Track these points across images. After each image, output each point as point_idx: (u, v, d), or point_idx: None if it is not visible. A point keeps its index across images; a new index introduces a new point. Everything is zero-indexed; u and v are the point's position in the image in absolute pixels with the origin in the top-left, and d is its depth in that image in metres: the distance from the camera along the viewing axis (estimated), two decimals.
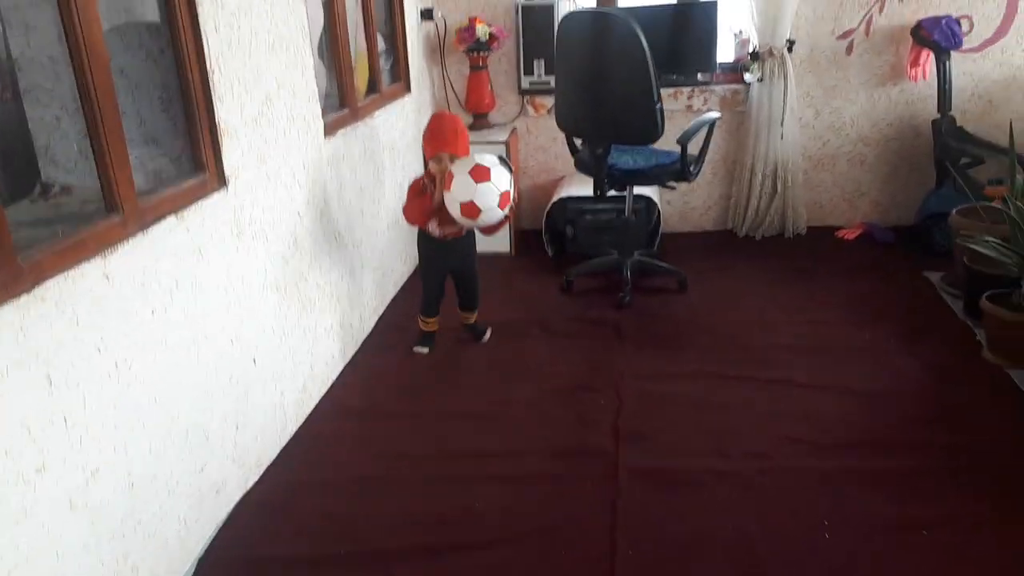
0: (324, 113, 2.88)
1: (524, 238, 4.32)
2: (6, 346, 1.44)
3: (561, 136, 3.96)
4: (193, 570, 2.03)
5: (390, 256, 3.64)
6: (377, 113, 3.46)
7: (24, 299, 1.48)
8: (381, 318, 3.51)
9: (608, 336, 3.28)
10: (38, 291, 1.51)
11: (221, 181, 2.18)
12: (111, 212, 1.78)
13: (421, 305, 3.17)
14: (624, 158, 3.50)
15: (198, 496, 2.06)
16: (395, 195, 3.67)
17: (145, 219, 1.85)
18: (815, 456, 2.39)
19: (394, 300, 3.70)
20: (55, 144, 1.88)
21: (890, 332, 3.14)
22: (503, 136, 4.08)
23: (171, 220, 1.94)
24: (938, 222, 3.78)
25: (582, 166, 3.55)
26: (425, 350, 3.14)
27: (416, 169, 4.03)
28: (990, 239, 2.77)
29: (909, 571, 1.93)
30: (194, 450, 2.04)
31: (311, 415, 2.74)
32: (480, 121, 4.28)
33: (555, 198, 4.08)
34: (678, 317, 3.44)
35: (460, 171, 2.76)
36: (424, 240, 3.08)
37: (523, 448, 2.53)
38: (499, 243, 4.20)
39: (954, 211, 3.39)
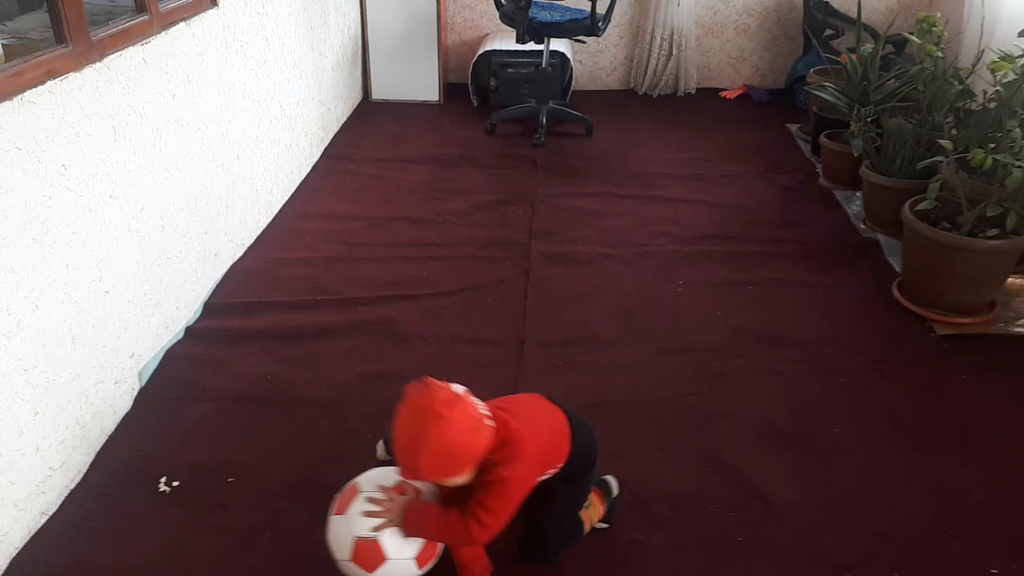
0: None
1: (451, 89, 4.83)
2: (89, 100, 1.95)
3: None
4: (202, 310, 2.62)
5: (332, 93, 4.11)
6: None
7: (97, 66, 1.98)
8: (326, 149, 4.02)
9: (526, 167, 3.91)
10: (105, 61, 2.01)
11: (214, 1, 2.65)
12: (141, 12, 2.25)
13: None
14: (543, 13, 4.04)
15: (202, 254, 2.63)
16: (338, 39, 4.12)
17: (165, 21, 2.33)
18: (679, 244, 3.13)
19: (335, 136, 4.20)
20: None
21: (752, 166, 3.89)
22: None
23: (182, 26, 2.42)
24: (801, 84, 4.50)
25: (506, 19, 4.07)
26: None
27: (353, 20, 4.46)
28: (828, 85, 3.48)
29: (733, 308, 2.70)
30: (200, 215, 2.59)
31: (279, 213, 3.30)
32: None
33: (480, 51, 4.59)
34: (584, 154, 4.08)
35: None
36: None
37: (458, 240, 3.17)
38: (429, 92, 4.72)
39: (811, 71, 4.12)
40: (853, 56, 3.52)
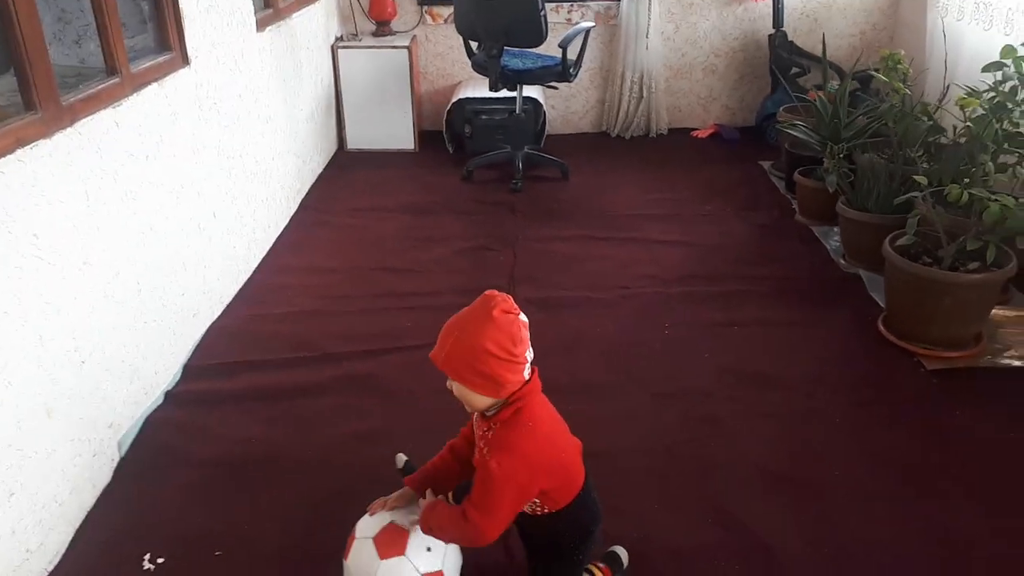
0: (255, 11, 3.30)
1: (426, 137, 4.84)
2: (60, 166, 1.90)
3: (457, 44, 4.49)
4: (181, 373, 2.55)
5: (307, 145, 4.09)
6: (295, 15, 3.87)
7: (68, 131, 1.94)
8: (303, 201, 3.98)
9: (504, 213, 3.90)
10: (76, 126, 1.97)
11: (185, 60, 2.62)
12: (112, 75, 2.22)
13: None
14: (515, 61, 4.07)
15: (180, 316, 2.57)
16: (311, 91, 4.11)
17: (136, 82, 2.30)
18: (662, 286, 3.11)
19: (312, 188, 4.17)
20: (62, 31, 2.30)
21: (727, 204, 3.91)
22: (405, 42, 4.55)
23: (154, 86, 2.39)
24: (771, 122, 4.57)
25: (478, 67, 4.10)
26: None
27: (326, 73, 4.46)
28: (800, 123, 3.53)
29: (720, 350, 2.69)
30: (178, 275, 2.53)
31: (257, 268, 3.25)
32: (382, 28, 4.72)
33: (454, 99, 4.61)
34: (561, 197, 4.09)
35: (364, 531, 1.58)
36: None
37: (439, 289, 3.14)
38: (403, 141, 4.72)
39: (781, 108, 4.18)
40: (821, 93, 3.59)
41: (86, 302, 2.01)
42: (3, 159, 1.70)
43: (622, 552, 1.80)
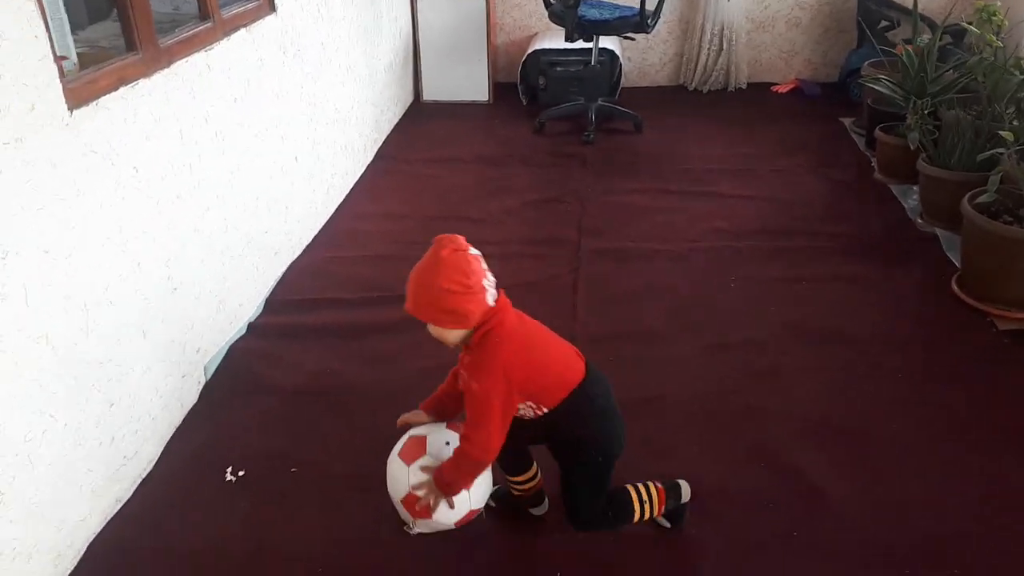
0: None
1: (500, 89, 4.87)
2: (158, 105, 2.03)
3: None
4: (263, 306, 2.70)
5: (385, 95, 4.19)
6: None
7: (165, 72, 2.07)
8: (379, 150, 4.09)
9: (575, 165, 3.92)
10: (173, 67, 2.10)
11: (272, 7, 2.73)
12: (204, 20, 2.33)
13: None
14: (592, 11, 4.05)
15: (263, 253, 2.71)
16: (390, 41, 4.19)
17: (227, 27, 2.42)
18: (732, 239, 3.11)
19: (388, 137, 4.27)
20: None
21: (804, 161, 3.84)
22: None
23: (243, 32, 2.51)
24: (856, 77, 4.42)
25: (555, 18, 4.09)
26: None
27: (404, 23, 4.53)
28: (883, 78, 3.42)
29: (786, 305, 2.68)
30: (261, 215, 2.67)
31: (335, 213, 3.38)
32: None
33: (529, 51, 4.63)
34: (633, 150, 4.08)
35: (391, 454, 1.75)
36: None
37: (509, 238, 3.21)
38: (478, 92, 4.77)
39: (866, 64, 4.05)
40: (909, 47, 3.46)
41: (179, 234, 2.16)
42: (108, 96, 1.83)
43: (685, 486, 1.83)
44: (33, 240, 1.60)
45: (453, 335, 1.54)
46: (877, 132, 3.57)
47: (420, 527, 1.69)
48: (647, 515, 1.77)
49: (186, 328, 2.21)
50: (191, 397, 2.25)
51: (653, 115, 4.43)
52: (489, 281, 1.54)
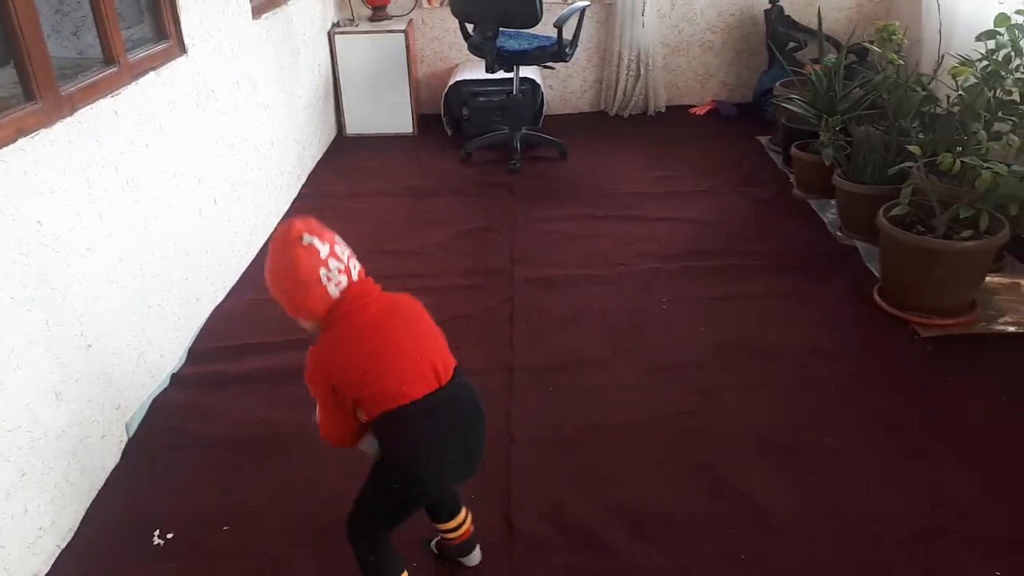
0: None
1: (425, 120, 4.85)
2: (61, 155, 1.94)
3: (454, 26, 4.50)
4: (186, 356, 2.59)
5: (307, 131, 4.12)
6: (291, 2, 3.88)
7: (68, 121, 1.97)
8: (303, 186, 4.01)
9: (503, 194, 3.92)
10: (76, 115, 2.00)
11: (182, 48, 2.65)
12: (110, 64, 2.25)
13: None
14: (510, 42, 4.08)
15: (184, 300, 2.61)
16: (309, 77, 4.13)
17: (135, 71, 2.33)
18: (659, 262, 3.14)
19: (312, 173, 4.20)
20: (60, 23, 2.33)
21: (725, 181, 3.93)
22: (402, 26, 4.56)
23: (152, 75, 2.42)
24: (769, 97, 4.56)
25: (475, 49, 4.11)
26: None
27: (323, 59, 4.48)
28: (795, 97, 3.53)
29: (717, 324, 2.72)
30: (180, 261, 2.57)
31: (259, 252, 3.29)
32: (379, 13, 4.73)
33: (451, 82, 4.62)
34: (559, 177, 4.11)
35: None
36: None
37: (441, 271, 3.17)
38: (402, 124, 4.74)
39: (778, 83, 4.19)
40: (817, 67, 3.59)
41: (91, 288, 2.05)
42: (5, 148, 1.73)
43: (476, 553, 1.78)
44: None
45: (306, 325, 1.51)
46: (793, 150, 3.68)
47: None
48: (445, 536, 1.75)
49: (104, 386, 2.10)
50: (112, 458, 2.14)
51: (577, 141, 4.47)
52: (331, 271, 1.45)
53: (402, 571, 1.63)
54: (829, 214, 3.46)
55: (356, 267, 1.51)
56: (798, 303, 2.83)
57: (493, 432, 2.20)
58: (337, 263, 1.46)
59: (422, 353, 1.50)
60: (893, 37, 3.04)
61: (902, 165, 2.77)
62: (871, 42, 3.15)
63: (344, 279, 1.46)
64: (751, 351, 2.55)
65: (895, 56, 3.00)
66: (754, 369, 2.47)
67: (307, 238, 1.43)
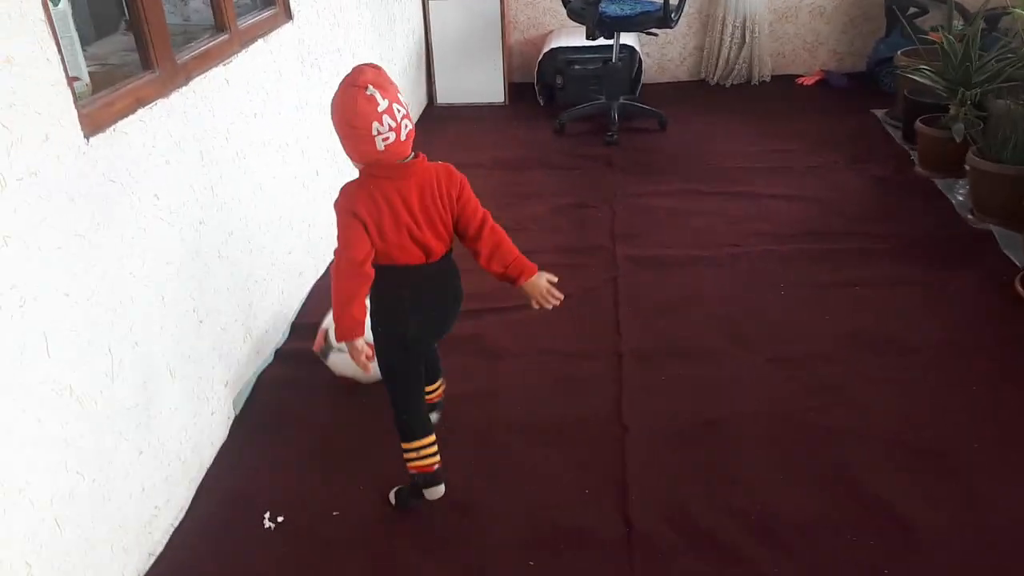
0: None
1: (516, 89, 4.72)
2: (177, 126, 1.89)
3: None
4: (289, 332, 2.56)
5: (411, 94, 4.03)
6: None
7: (183, 90, 1.92)
8: None
9: (600, 167, 3.78)
10: (191, 85, 1.95)
11: (288, 15, 2.58)
12: (220, 31, 2.19)
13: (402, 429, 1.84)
14: (613, 7, 3.89)
15: (288, 275, 2.57)
16: (403, 44, 4.05)
17: (244, 38, 2.27)
18: (774, 243, 2.96)
19: None
20: None
21: (839, 156, 3.69)
22: None
23: (260, 43, 2.36)
24: (886, 66, 4.28)
25: (574, 15, 3.94)
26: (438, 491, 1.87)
27: (417, 24, 4.37)
28: (925, 68, 3.27)
29: (841, 312, 2.54)
30: (285, 235, 2.53)
31: None
32: None
33: (545, 49, 4.47)
34: (660, 150, 3.94)
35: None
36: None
37: (538, 247, 3.02)
38: (493, 94, 4.62)
39: (899, 52, 3.90)
40: (947, 35, 3.31)
41: (203, 262, 2.01)
42: (125, 120, 1.69)
43: (435, 492, 1.85)
44: (52, 283, 1.46)
45: (353, 163, 1.65)
46: (918, 124, 3.42)
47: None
48: (410, 460, 1.82)
49: (213, 362, 2.07)
50: (221, 435, 2.12)
51: (676, 112, 4.28)
52: (383, 126, 1.52)
53: (430, 434, 1.83)
54: (958, 195, 3.21)
55: (407, 127, 1.57)
56: (928, 292, 2.62)
57: (604, 421, 2.13)
58: (391, 120, 1.53)
59: (420, 233, 1.67)
60: None
61: None
62: (1012, 7, 2.87)
63: (392, 136, 1.54)
64: (880, 344, 2.37)
65: None
66: (884, 364, 2.29)
67: (371, 89, 1.51)
